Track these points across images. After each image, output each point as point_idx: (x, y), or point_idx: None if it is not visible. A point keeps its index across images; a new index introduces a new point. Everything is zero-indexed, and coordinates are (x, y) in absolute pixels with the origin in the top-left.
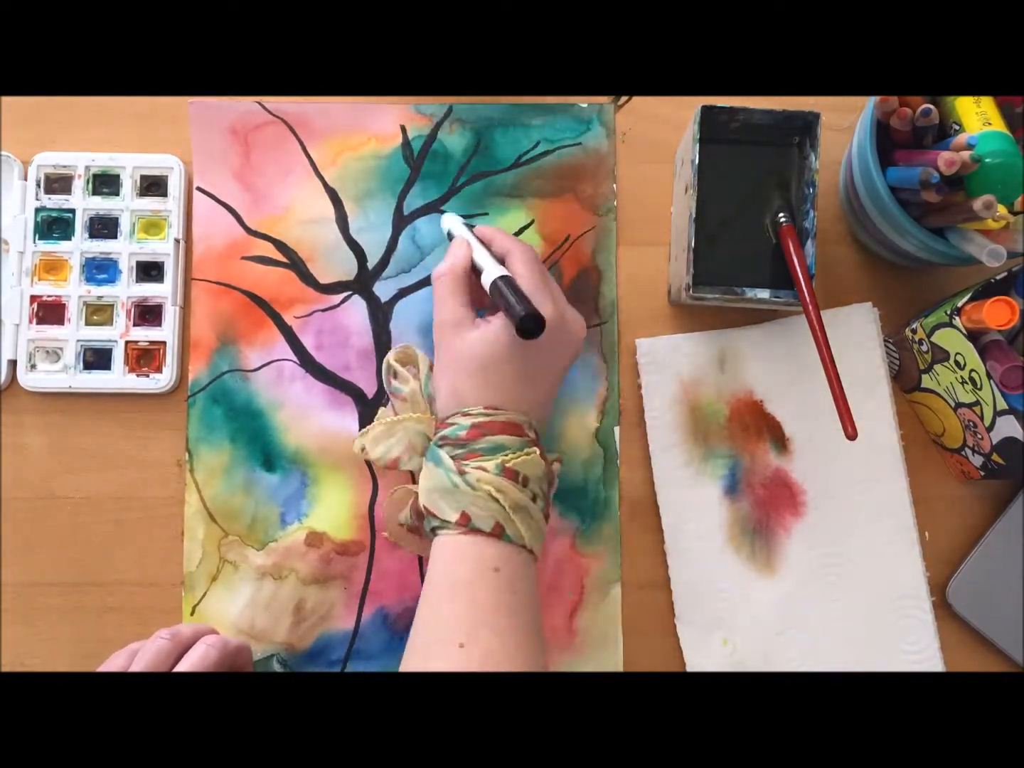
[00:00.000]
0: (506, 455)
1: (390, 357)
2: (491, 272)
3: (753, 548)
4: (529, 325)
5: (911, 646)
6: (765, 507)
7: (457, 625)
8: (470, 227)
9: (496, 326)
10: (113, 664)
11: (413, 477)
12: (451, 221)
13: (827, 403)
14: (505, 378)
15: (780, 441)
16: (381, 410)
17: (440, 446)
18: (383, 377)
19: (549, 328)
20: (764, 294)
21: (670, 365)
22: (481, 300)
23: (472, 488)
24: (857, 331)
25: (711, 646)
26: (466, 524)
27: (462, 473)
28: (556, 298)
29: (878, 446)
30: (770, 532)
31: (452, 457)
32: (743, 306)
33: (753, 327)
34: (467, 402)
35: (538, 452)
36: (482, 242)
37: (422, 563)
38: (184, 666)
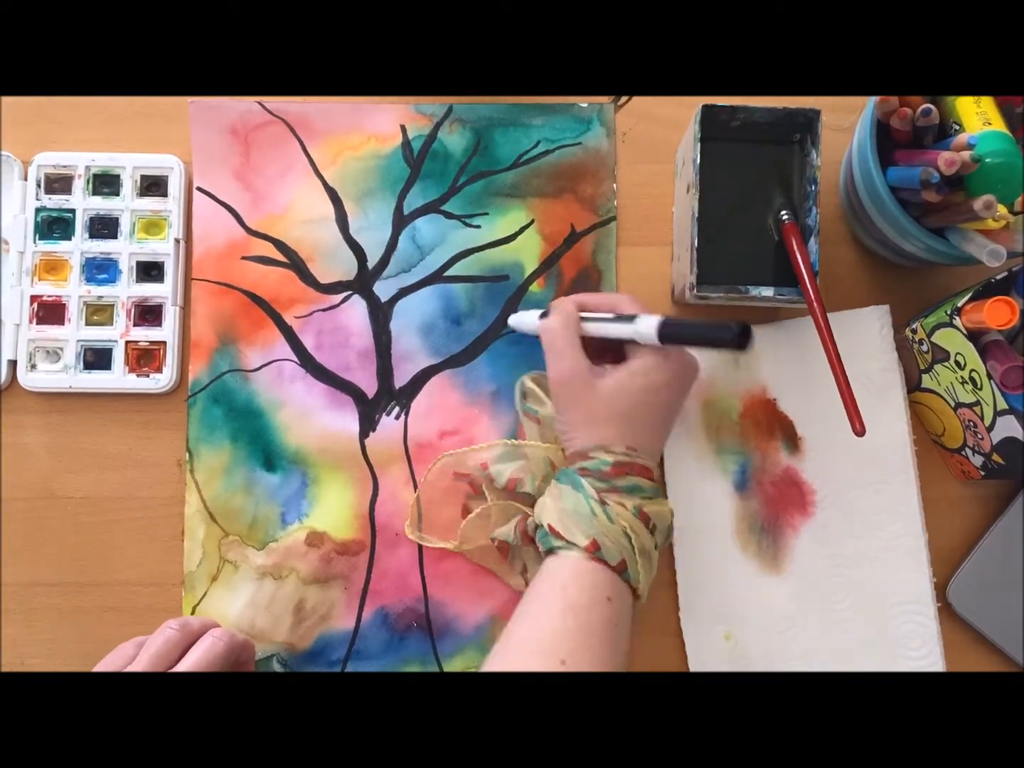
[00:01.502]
0: (643, 498)
1: (527, 379)
2: (649, 320)
3: (760, 545)
4: (748, 337)
5: (914, 651)
6: (774, 505)
7: (563, 642)
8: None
9: (628, 372)
10: (120, 654)
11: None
12: (526, 316)
13: (840, 404)
14: (645, 423)
15: (792, 440)
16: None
17: (581, 474)
18: (515, 396)
19: (689, 369)
20: (768, 292)
21: None
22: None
23: (610, 520)
24: (874, 333)
25: (713, 640)
26: (595, 551)
27: (603, 503)
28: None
29: (890, 449)
30: (778, 530)
31: (595, 488)
32: (747, 304)
33: (769, 325)
34: (609, 442)
35: (668, 504)
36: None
37: (423, 564)
38: (192, 657)
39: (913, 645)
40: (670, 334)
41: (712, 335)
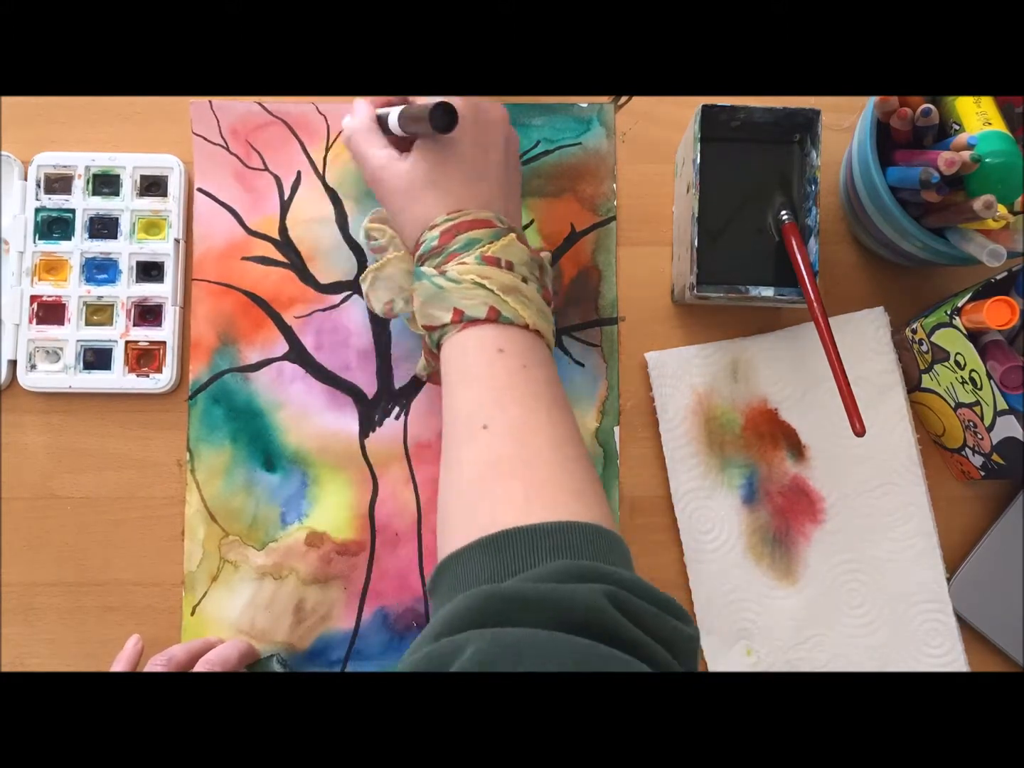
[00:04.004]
0: (483, 246)
1: (366, 222)
2: (395, 110)
3: (774, 557)
4: (441, 113)
5: (935, 649)
6: (784, 515)
7: (477, 410)
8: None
9: (420, 144)
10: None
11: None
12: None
13: (842, 409)
14: (452, 179)
15: (796, 449)
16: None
17: (420, 265)
18: (363, 242)
19: (465, 113)
20: (768, 292)
21: (682, 377)
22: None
23: (456, 282)
24: (870, 336)
25: (735, 657)
26: (460, 319)
27: (443, 273)
28: (464, 97)
29: (895, 451)
30: (790, 540)
31: (433, 267)
32: (747, 304)
33: (765, 335)
34: (430, 217)
35: (515, 236)
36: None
37: (423, 564)
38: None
39: (934, 643)
40: (404, 121)
41: (423, 115)
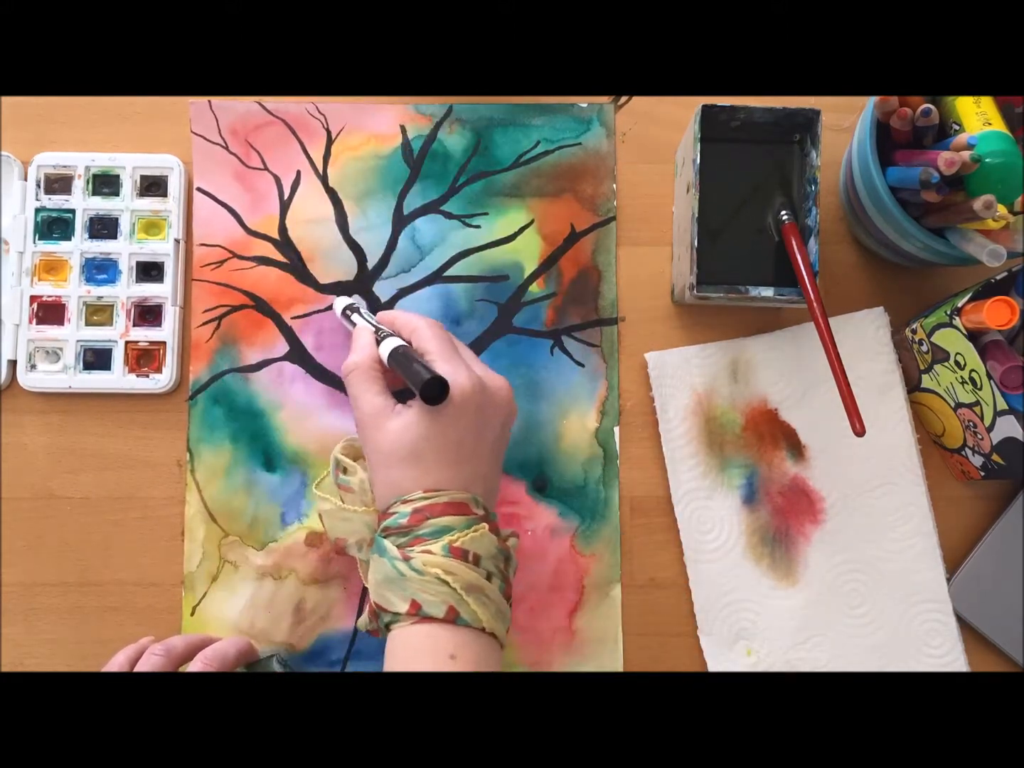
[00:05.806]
0: (453, 535)
1: (337, 451)
2: (388, 345)
3: (774, 557)
4: (432, 391)
5: (935, 649)
6: (784, 515)
7: None
8: (369, 313)
9: (416, 408)
10: (115, 666)
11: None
12: (343, 304)
13: (842, 409)
14: (439, 459)
15: (796, 449)
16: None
17: (384, 537)
18: (332, 471)
19: (469, 396)
20: (768, 292)
21: (682, 377)
22: (397, 386)
23: (419, 573)
24: (869, 336)
25: (735, 657)
26: (417, 612)
27: (407, 559)
28: (471, 366)
29: (895, 451)
30: (790, 540)
31: (397, 546)
32: (747, 304)
33: (765, 335)
34: (405, 489)
35: (487, 527)
36: (385, 325)
37: None
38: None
39: (934, 643)
40: (392, 364)
41: (412, 378)
